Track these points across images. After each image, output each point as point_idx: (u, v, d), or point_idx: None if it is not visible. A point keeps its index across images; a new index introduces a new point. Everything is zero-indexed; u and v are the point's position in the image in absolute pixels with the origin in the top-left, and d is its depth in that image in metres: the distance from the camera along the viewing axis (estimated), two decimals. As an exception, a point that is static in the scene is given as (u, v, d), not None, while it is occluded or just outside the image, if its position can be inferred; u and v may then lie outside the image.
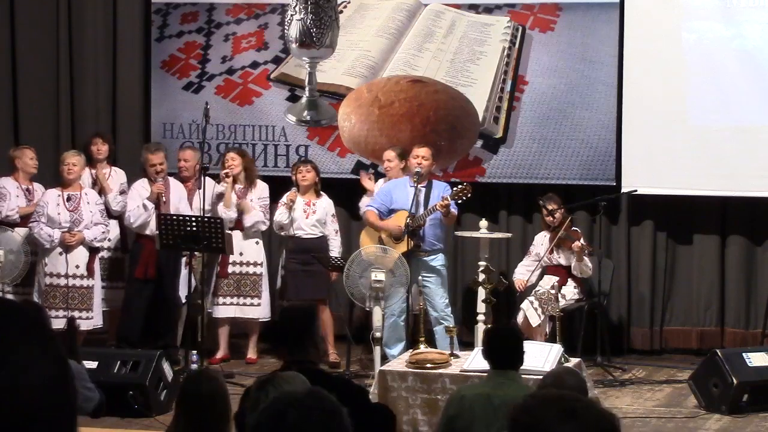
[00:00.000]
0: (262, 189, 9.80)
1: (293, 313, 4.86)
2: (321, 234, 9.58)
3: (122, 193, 9.91)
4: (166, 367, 8.04)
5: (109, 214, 9.68)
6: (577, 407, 2.22)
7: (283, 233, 9.65)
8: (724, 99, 9.83)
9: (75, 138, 11.01)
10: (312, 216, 9.54)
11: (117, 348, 9.31)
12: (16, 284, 9.52)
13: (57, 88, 11.18)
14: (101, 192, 9.80)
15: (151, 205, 9.43)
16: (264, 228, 9.78)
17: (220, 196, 9.66)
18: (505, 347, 5.18)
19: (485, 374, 5.62)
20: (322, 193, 9.69)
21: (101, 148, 10.04)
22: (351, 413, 2.30)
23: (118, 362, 7.92)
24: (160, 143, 10.21)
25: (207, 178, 9.83)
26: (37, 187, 9.74)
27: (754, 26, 9.79)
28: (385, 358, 8.58)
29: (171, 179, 9.70)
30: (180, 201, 9.60)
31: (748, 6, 9.82)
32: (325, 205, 9.62)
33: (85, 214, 9.28)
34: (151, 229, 9.46)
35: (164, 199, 9.49)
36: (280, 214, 9.53)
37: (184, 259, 9.71)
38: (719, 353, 8.14)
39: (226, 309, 9.64)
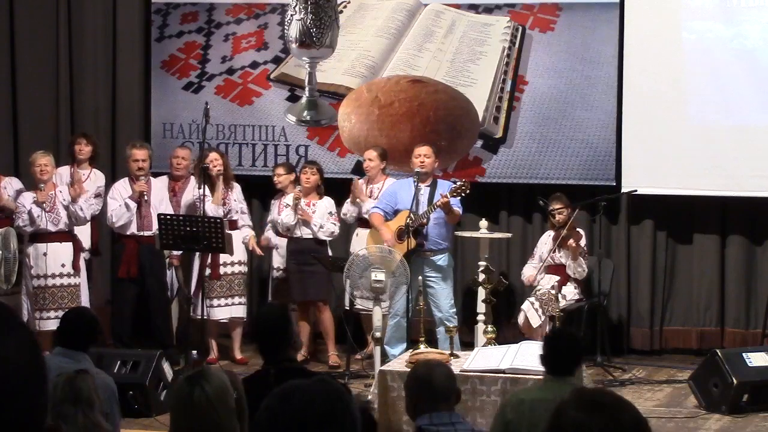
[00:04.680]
0: (239, 191, 9.84)
1: (266, 314, 4.91)
2: None
3: (97, 196, 9.83)
4: (166, 367, 8.04)
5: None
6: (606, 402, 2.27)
7: (289, 235, 9.65)
8: (724, 99, 9.82)
9: (75, 138, 11.01)
10: (312, 216, 9.54)
11: (113, 347, 9.32)
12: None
13: (57, 88, 11.17)
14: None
15: (133, 204, 9.40)
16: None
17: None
18: (566, 353, 5.13)
19: (539, 377, 5.56)
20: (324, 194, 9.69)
21: (84, 149, 9.97)
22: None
23: (118, 362, 7.91)
24: (145, 142, 10.19)
25: (193, 178, 9.86)
26: (7, 182, 9.68)
27: (754, 26, 9.79)
28: (385, 358, 8.57)
29: (152, 179, 9.67)
30: (161, 203, 9.56)
31: (748, 6, 9.82)
32: (325, 204, 9.61)
33: (62, 212, 9.25)
34: (132, 230, 9.45)
35: (146, 197, 9.47)
36: (287, 216, 9.52)
37: (168, 260, 9.72)
38: (719, 353, 8.13)
39: (221, 311, 9.61)
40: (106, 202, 9.68)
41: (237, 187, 9.86)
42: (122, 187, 9.55)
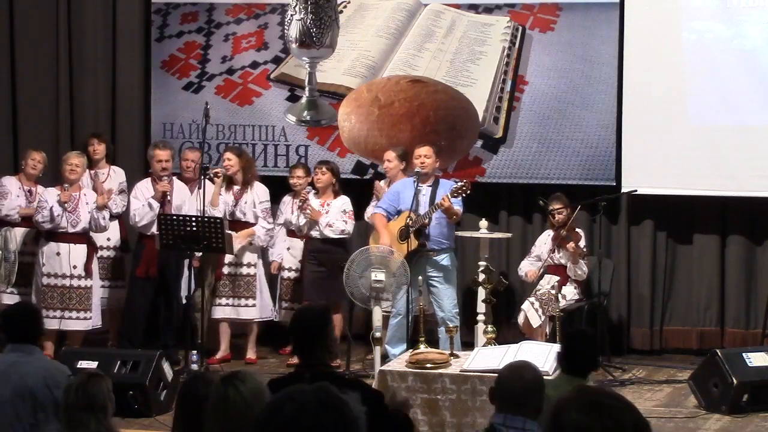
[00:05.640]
0: (261, 192, 9.73)
1: (305, 316, 4.79)
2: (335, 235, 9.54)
3: (121, 192, 9.89)
4: (166, 367, 8.03)
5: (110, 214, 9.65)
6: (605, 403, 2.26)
7: (300, 234, 9.65)
8: (724, 99, 9.82)
9: (74, 138, 11.00)
10: (325, 216, 9.51)
11: (118, 347, 9.31)
12: (15, 284, 9.50)
13: (57, 88, 11.17)
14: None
15: (156, 204, 9.41)
16: (267, 236, 9.76)
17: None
18: (582, 354, 5.10)
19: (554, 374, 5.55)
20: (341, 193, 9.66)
21: (98, 149, 10.01)
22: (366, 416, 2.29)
23: (118, 362, 7.91)
24: (168, 141, 10.20)
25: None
26: (40, 189, 9.72)
27: (754, 26, 9.79)
28: (385, 358, 8.57)
29: (175, 180, 9.69)
30: (183, 203, 9.57)
31: (748, 6, 9.82)
32: (339, 204, 9.58)
33: (83, 214, 9.26)
34: (153, 229, 9.46)
35: (169, 197, 9.48)
36: (296, 218, 9.52)
37: (187, 261, 9.71)
38: (719, 353, 8.13)
39: (222, 309, 9.64)
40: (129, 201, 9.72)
41: (258, 188, 9.75)
42: (145, 187, 9.57)
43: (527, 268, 9.54)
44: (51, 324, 9.24)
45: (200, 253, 9.45)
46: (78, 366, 7.81)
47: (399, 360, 7.80)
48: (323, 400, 2.24)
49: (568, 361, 5.08)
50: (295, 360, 9.40)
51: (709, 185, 9.82)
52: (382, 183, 9.81)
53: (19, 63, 11.23)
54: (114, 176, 10.03)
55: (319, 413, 2.22)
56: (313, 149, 10.72)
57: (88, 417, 4.53)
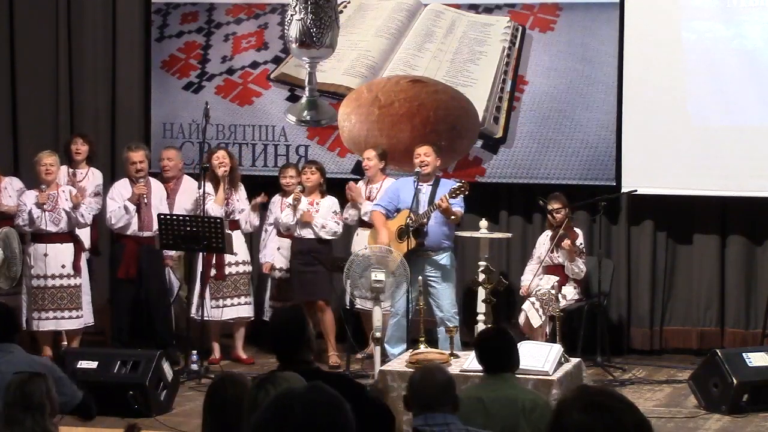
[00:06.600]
0: (243, 191, 9.79)
1: (282, 317, 4.88)
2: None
3: (96, 195, 9.83)
4: (166, 367, 8.03)
5: None
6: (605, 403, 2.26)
7: (289, 233, 9.66)
8: (724, 99, 9.83)
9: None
10: (318, 217, 9.52)
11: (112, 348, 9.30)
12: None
13: (57, 88, 11.17)
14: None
15: (132, 207, 9.38)
16: (250, 225, 9.80)
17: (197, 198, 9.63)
18: (495, 351, 5.13)
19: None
20: (327, 193, 9.68)
21: (80, 149, 9.94)
22: (351, 410, 2.31)
23: (118, 362, 7.91)
24: (141, 143, 10.16)
25: (188, 177, 9.87)
26: (8, 182, 9.67)
27: (754, 26, 9.79)
28: (385, 358, 8.57)
29: (151, 180, 9.66)
30: (161, 202, 9.55)
31: (748, 6, 9.82)
32: (328, 203, 9.60)
33: (63, 212, 9.23)
34: (133, 230, 9.44)
35: (146, 200, 9.45)
36: (286, 216, 9.54)
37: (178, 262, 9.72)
38: (719, 353, 8.13)
39: (229, 311, 9.60)
40: (105, 202, 9.66)
41: (242, 189, 9.79)
42: (122, 188, 9.53)
43: (525, 281, 9.55)
44: (47, 325, 9.25)
45: (173, 252, 9.47)
46: (78, 366, 7.83)
47: (399, 360, 7.80)
48: (330, 401, 2.25)
49: (486, 361, 5.10)
50: None
51: (709, 185, 9.82)
52: (359, 184, 9.82)
53: (19, 63, 11.22)
54: (92, 178, 9.95)
55: (330, 414, 2.22)
56: (313, 149, 10.72)
57: (24, 416, 4.52)
